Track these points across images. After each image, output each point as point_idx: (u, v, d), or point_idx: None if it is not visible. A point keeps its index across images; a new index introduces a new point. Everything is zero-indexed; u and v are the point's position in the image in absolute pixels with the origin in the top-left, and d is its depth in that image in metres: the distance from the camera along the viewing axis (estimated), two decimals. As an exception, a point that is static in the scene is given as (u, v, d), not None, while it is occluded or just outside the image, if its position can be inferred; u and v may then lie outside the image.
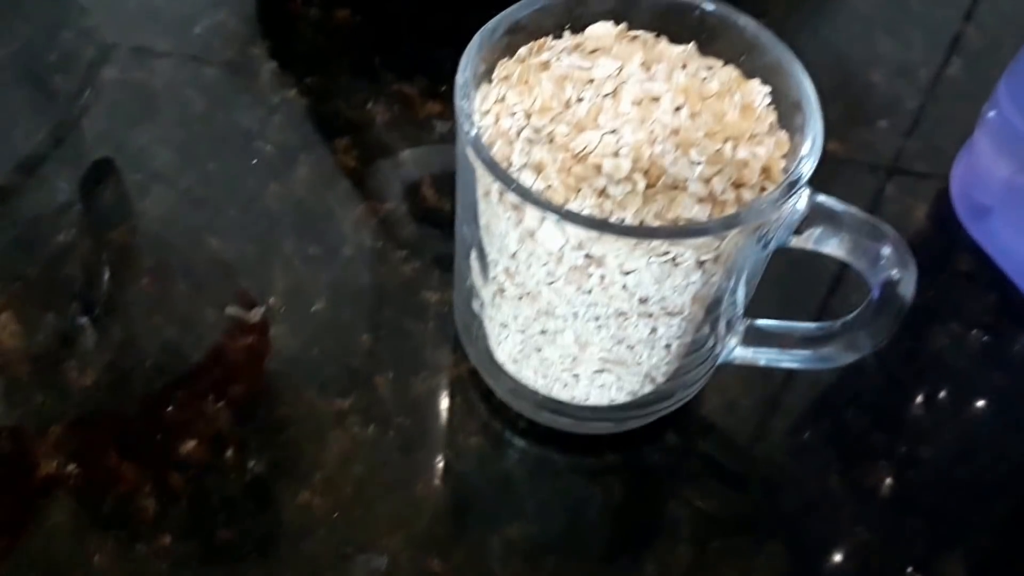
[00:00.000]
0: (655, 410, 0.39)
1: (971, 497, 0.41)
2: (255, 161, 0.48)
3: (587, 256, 0.31)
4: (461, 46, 0.32)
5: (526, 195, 0.30)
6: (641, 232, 0.30)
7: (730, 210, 0.31)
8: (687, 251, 0.30)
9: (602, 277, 0.31)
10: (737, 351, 0.39)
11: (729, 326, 0.37)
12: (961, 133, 0.50)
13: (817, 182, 0.32)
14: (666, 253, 0.30)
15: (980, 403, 0.43)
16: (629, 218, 0.31)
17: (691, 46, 0.36)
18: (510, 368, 0.39)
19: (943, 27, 0.58)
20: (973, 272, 0.47)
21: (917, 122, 0.53)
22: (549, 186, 0.31)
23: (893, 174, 0.51)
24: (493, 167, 0.31)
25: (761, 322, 0.39)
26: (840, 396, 0.43)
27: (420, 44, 0.55)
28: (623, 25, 0.36)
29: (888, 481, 0.40)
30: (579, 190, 0.31)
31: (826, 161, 0.32)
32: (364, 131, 0.51)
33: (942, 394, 0.43)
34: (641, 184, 0.31)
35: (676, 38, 0.36)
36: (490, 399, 0.41)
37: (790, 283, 0.44)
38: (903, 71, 0.56)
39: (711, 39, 0.36)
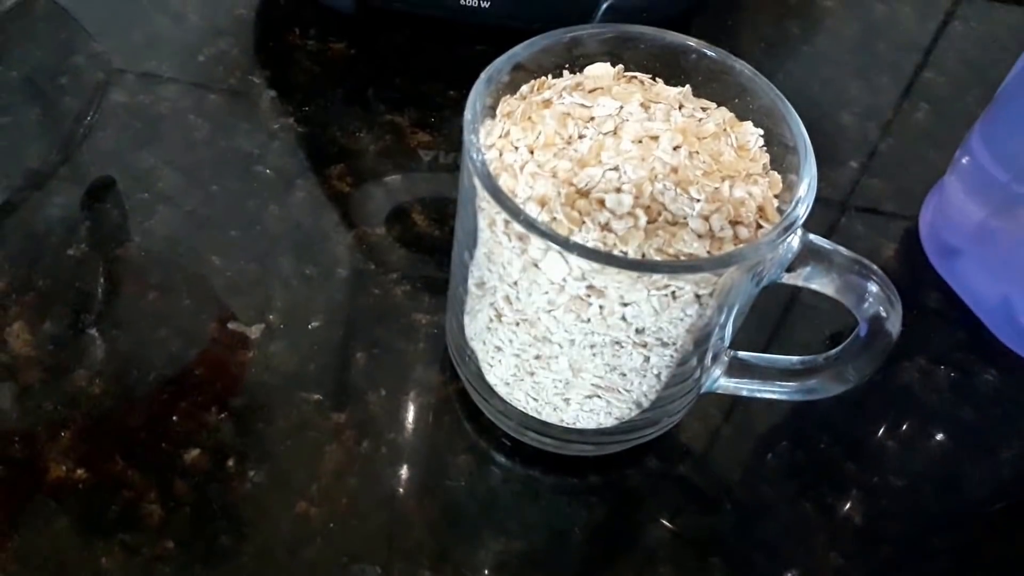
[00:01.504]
0: (638, 436, 0.39)
1: (940, 526, 0.41)
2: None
3: (589, 287, 0.30)
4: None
5: (533, 226, 0.30)
6: (644, 266, 0.30)
7: (728, 246, 0.31)
8: (686, 285, 0.30)
9: (601, 307, 0.31)
10: (720, 381, 0.38)
11: (715, 357, 0.37)
12: (928, 174, 0.50)
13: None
14: (666, 287, 0.30)
15: (948, 435, 0.43)
16: (631, 252, 0.30)
17: (686, 88, 0.36)
18: (501, 390, 0.38)
19: (910, 72, 0.59)
20: (941, 310, 0.47)
21: (886, 163, 0.53)
22: (554, 218, 0.31)
23: (863, 213, 0.51)
24: (501, 198, 0.30)
25: (744, 354, 0.38)
26: (813, 427, 0.43)
27: (410, 78, 0.54)
28: (620, 66, 0.36)
29: (860, 509, 0.40)
30: (583, 223, 0.31)
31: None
32: (357, 158, 0.50)
33: (911, 426, 0.43)
34: (643, 219, 0.31)
35: (671, 80, 0.36)
36: (478, 419, 0.41)
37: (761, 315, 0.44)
38: (872, 114, 0.56)
39: (705, 81, 0.36)
